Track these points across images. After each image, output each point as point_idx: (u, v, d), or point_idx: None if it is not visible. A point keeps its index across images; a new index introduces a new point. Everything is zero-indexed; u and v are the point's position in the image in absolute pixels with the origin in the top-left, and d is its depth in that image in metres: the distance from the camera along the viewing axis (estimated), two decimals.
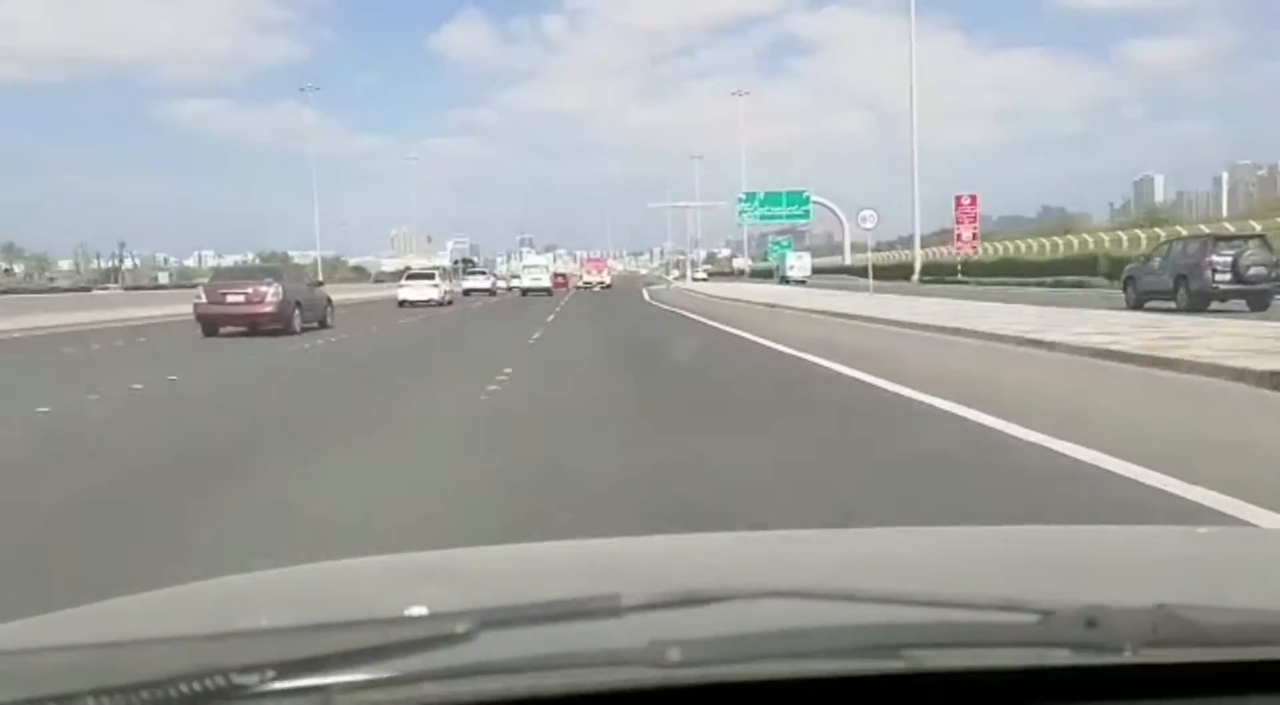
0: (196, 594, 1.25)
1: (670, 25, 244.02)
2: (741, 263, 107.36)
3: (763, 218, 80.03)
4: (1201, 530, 2.17)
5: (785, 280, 67.26)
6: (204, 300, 19.84)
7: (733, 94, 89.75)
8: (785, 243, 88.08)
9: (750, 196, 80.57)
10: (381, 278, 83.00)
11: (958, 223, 62.94)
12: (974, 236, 62.69)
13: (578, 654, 0.82)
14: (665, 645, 0.75)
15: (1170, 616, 0.80)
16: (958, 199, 63.81)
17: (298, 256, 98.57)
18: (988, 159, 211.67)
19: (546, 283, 58.68)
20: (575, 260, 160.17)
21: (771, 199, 79.85)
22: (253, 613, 1.12)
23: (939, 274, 55.99)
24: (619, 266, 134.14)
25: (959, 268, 54.43)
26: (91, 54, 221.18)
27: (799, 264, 73.37)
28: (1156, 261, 21.43)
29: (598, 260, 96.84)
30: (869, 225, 37.19)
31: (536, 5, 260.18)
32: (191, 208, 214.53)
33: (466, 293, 52.36)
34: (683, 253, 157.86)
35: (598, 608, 0.96)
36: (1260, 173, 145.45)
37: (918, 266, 58.11)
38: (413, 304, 36.93)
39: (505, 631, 0.88)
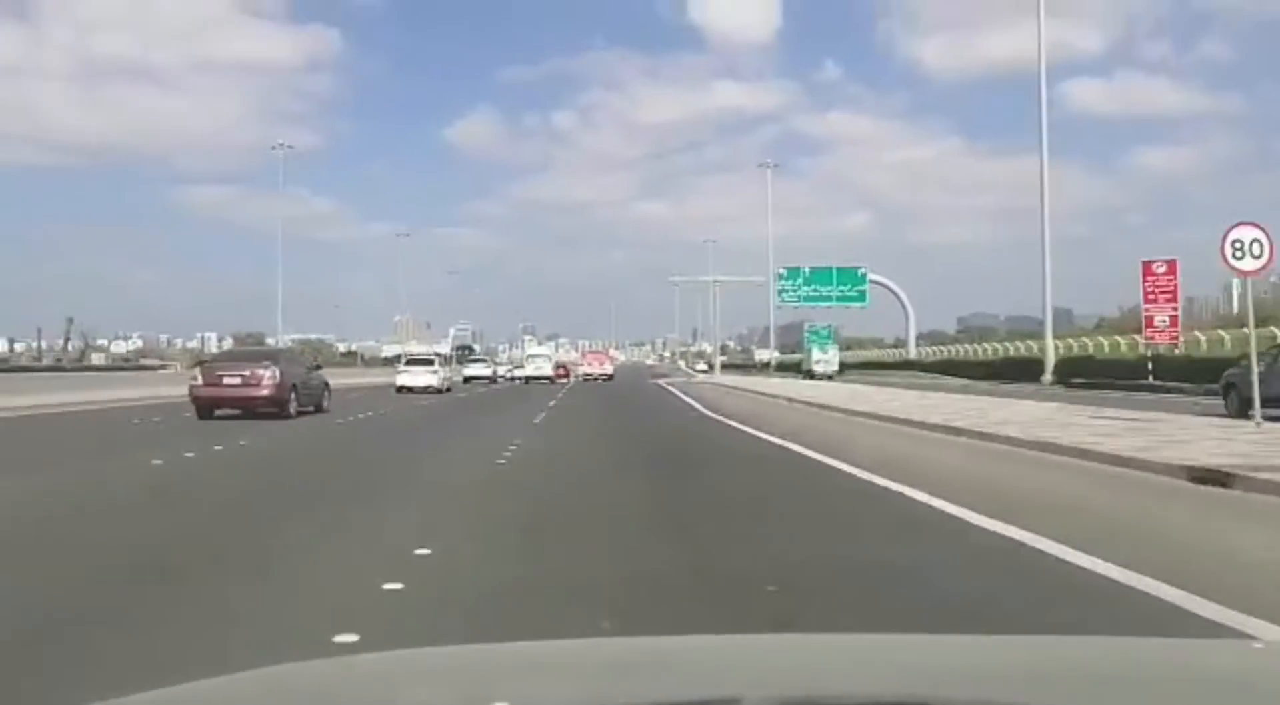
0: (246, 683, 1.27)
1: (677, 121, 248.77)
2: (766, 354, 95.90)
3: (807, 298, 68.47)
4: (1202, 643, 2.13)
5: (811, 375, 61.59)
6: (200, 382, 19.73)
7: (760, 166, 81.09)
8: (824, 331, 70.33)
9: (793, 272, 68.64)
10: (372, 362, 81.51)
11: (1148, 301, 38.19)
12: (1173, 322, 37.98)
13: None
14: None
15: None
16: (1146, 266, 38.65)
17: (289, 340, 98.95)
18: (990, 259, 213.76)
19: (549, 372, 61.38)
20: (577, 349, 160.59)
21: (820, 276, 68.43)
22: (363, 696, 1.17)
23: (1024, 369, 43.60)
24: (621, 357, 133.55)
25: (1149, 364, 35.77)
26: (112, 142, 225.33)
27: (825, 358, 65.77)
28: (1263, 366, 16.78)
29: (599, 353, 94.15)
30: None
31: (549, 101, 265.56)
32: (199, 289, 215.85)
33: (467, 380, 53.13)
34: (686, 344, 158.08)
35: None
36: (1273, 279, 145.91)
37: (1050, 363, 41.60)
38: (410, 390, 36.80)
39: None
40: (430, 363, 41.25)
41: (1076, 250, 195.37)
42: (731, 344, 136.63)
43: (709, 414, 21.90)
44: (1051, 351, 42.75)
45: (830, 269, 68.88)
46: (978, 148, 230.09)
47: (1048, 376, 40.10)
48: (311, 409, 21.35)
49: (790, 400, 26.46)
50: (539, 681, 1.25)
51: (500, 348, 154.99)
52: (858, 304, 70.01)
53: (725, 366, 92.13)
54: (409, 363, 41.78)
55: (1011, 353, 54.42)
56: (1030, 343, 52.54)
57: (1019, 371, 43.76)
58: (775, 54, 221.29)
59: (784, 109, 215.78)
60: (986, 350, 61.22)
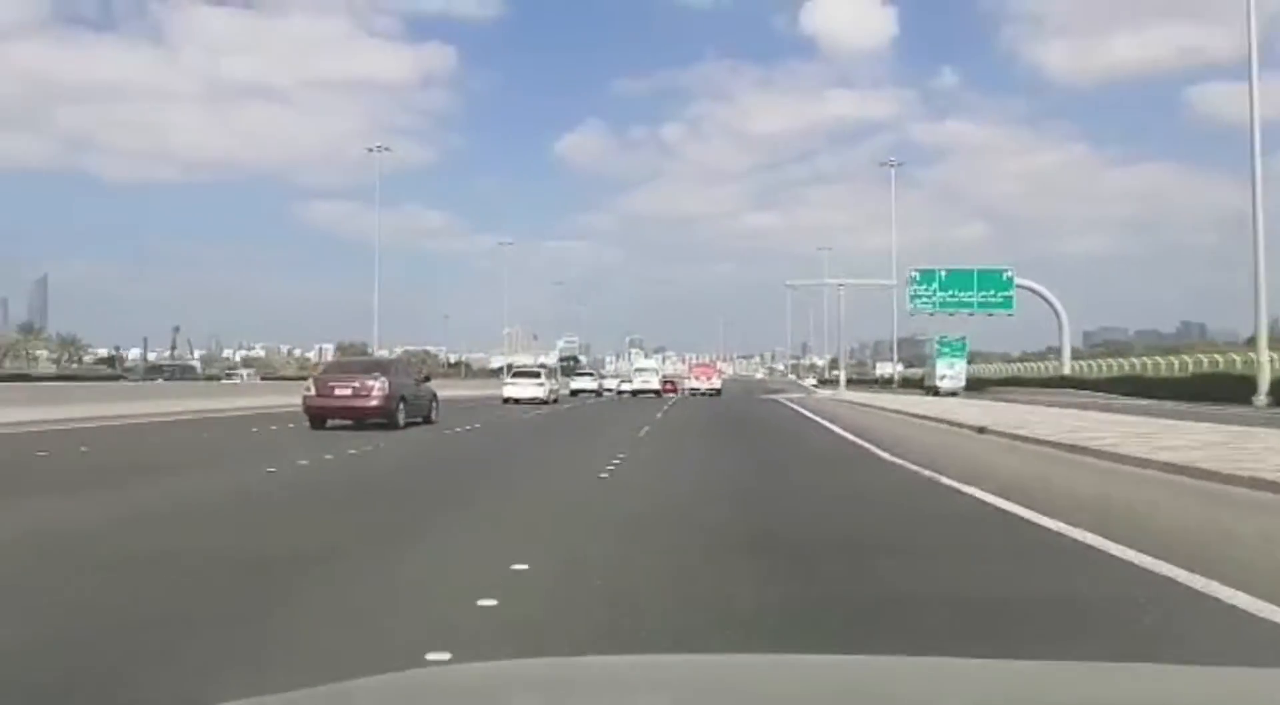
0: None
1: (789, 132, 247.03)
2: (887, 368, 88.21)
3: (944, 304, 61.73)
4: (1222, 670, 2.01)
5: (935, 391, 56.93)
6: (313, 392, 20.10)
7: (882, 165, 76.07)
8: (957, 343, 60.71)
9: (927, 276, 61.85)
10: (479, 373, 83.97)
11: None
12: None
13: None
14: None
15: None
16: None
17: (399, 351, 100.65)
18: (1115, 272, 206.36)
19: (655, 385, 63.39)
20: (684, 362, 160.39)
21: (958, 279, 61.20)
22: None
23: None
24: (728, 370, 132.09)
25: None
26: (238, 159, 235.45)
27: (951, 372, 59.87)
28: None
29: (706, 366, 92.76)
30: None
31: (658, 114, 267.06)
32: (318, 300, 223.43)
33: (574, 393, 54.71)
34: (796, 358, 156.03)
35: None
36: None
37: (1265, 381, 33.35)
38: (517, 402, 37.08)
39: None
40: (537, 375, 41.57)
41: (1211, 261, 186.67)
42: (827, 359, 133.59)
43: (866, 446, 15.62)
44: (1267, 366, 34.30)
45: (971, 272, 62.03)
46: (1103, 156, 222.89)
47: (1261, 397, 32.53)
48: (420, 420, 21.61)
49: (977, 429, 18.55)
50: (604, 697, 1.25)
51: (607, 360, 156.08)
52: (1003, 311, 62.80)
53: (849, 381, 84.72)
54: (516, 375, 42.50)
55: (1206, 367, 46.67)
56: (1229, 356, 45.54)
57: (1219, 391, 35.95)
58: (890, 62, 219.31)
59: (899, 118, 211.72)
60: (1174, 364, 52.74)
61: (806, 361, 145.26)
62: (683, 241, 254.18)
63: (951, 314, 63.39)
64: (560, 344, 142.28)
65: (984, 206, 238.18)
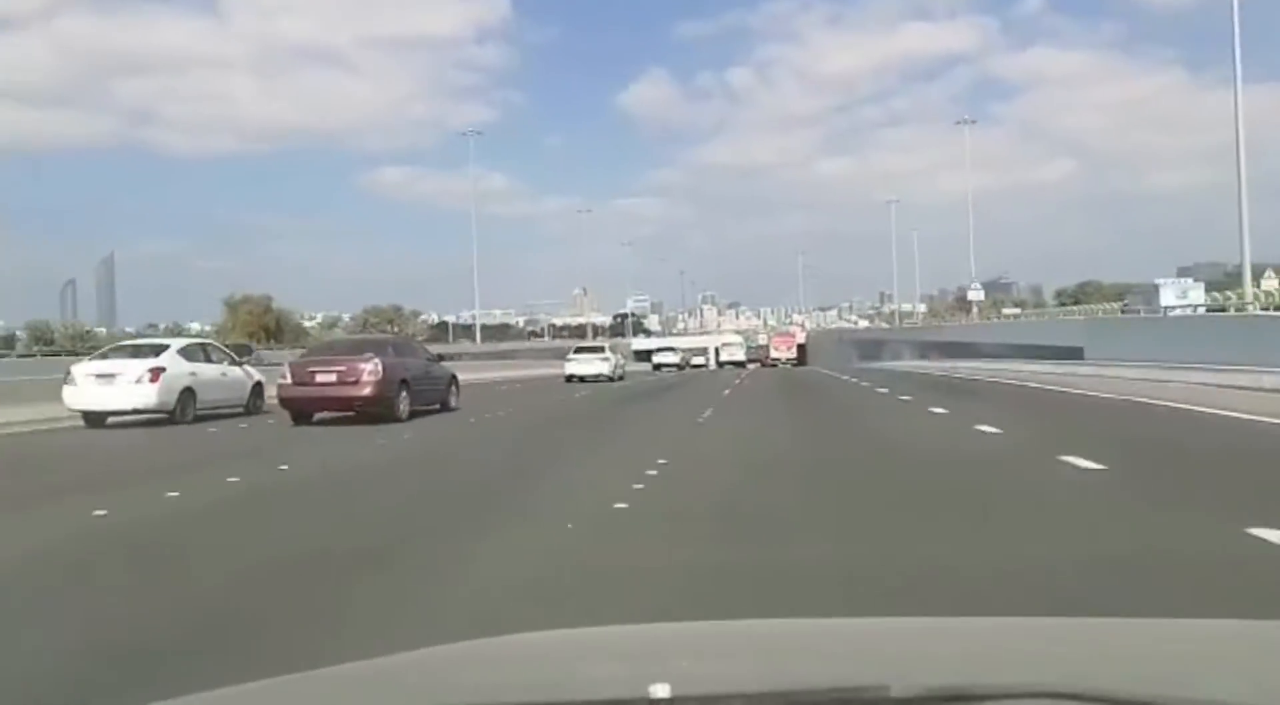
0: (400, 666, 1.29)
1: (862, 71, 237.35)
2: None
3: None
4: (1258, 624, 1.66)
5: None
6: (289, 381, 15.81)
7: (957, 123, 74.76)
8: None
9: None
10: (510, 353, 67.20)
11: None
12: None
13: None
14: None
15: None
16: None
17: (470, 317, 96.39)
18: (1218, 201, 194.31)
19: (741, 357, 68.05)
20: (758, 317, 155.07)
21: None
22: (496, 679, 1.17)
23: None
24: (807, 324, 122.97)
25: None
26: (296, 125, 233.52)
27: None
28: None
29: (786, 335, 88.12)
30: None
31: (723, 58, 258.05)
32: (383, 267, 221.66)
33: (656, 368, 56.27)
34: (876, 308, 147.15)
35: (871, 698, 0.94)
36: None
37: None
38: (581, 379, 35.23)
39: None
40: (601, 350, 39.69)
41: None
42: (921, 308, 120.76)
43: None
44: None
45: None
46: (1200, 80, 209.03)
47: None
48: (437, 407, 17.49)
49: None
50: (688, 661, 1.25)
51: (681, 316, 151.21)
52: None
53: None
54: (579, 350, 39.79)
55: None
56: None
57: None
58: None
59: (978, 50, 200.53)
60: None
61: (887, 310, 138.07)
62: (753, 192, 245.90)
63: None
64: (630, 303, 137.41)
65: (1070, 141, 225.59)
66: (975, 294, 72.57)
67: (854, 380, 31.21)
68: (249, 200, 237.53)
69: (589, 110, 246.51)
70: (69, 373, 16.33)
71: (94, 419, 16.14)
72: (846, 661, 1.25)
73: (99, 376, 16.03)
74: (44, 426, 16.07)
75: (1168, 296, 39.78)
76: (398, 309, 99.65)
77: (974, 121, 74.77)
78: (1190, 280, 52.28)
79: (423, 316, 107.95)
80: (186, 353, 17.08)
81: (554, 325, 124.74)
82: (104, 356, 17.32)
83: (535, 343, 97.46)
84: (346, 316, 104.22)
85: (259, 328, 70.71)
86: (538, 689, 1.15)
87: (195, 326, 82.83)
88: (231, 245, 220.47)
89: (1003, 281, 77.44)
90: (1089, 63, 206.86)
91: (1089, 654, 1.28)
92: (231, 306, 77.84)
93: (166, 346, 17.29)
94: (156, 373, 15.97)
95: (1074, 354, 30.30)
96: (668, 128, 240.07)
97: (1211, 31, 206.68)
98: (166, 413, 15.98)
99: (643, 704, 0.98)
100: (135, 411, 15.98)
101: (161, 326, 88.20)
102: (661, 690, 1.02)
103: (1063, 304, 66.48)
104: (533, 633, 1.50)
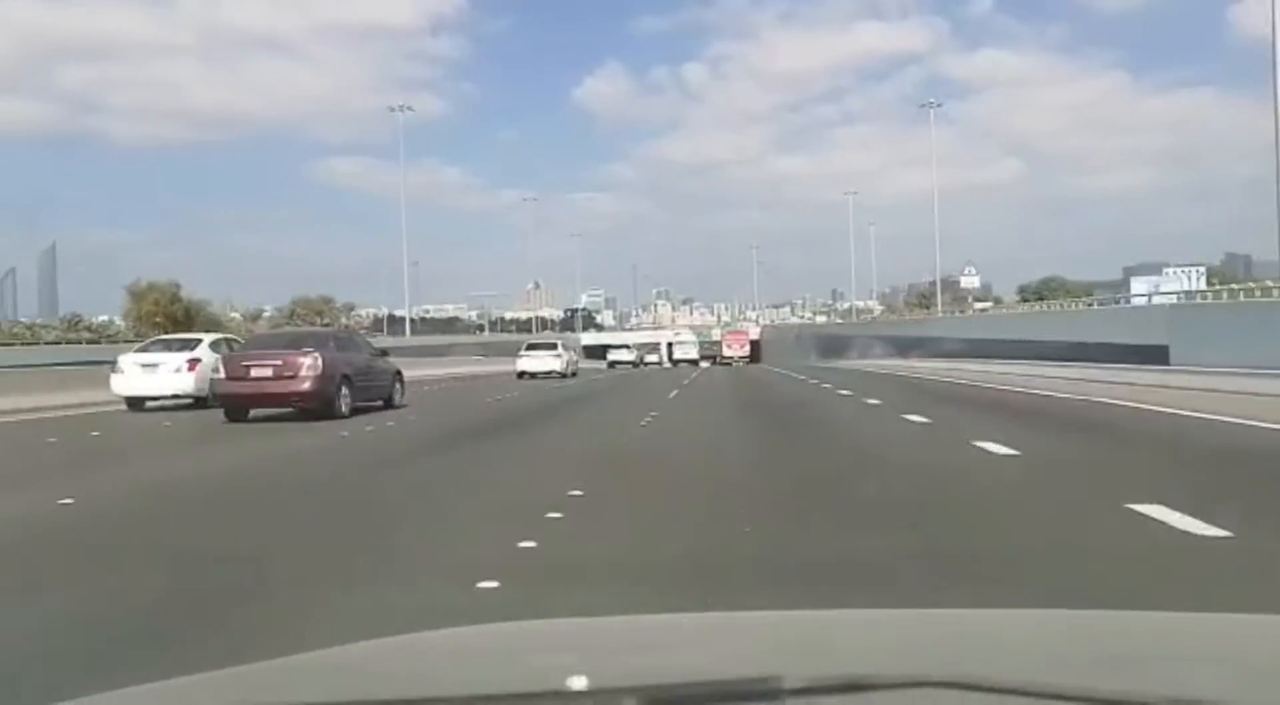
0: (332, 659, 1.27)
1: (815, 69, 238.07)
2: None
3: None
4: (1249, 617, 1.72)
5: None
6: (222, 375, 15.01)
7: (922, 106, 71.43)
8: None
9: None
10: (443, 349, 61.13)
11: None
12: None
13: None
14: None
15: None
16: None
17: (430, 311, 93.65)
18: (1154, 205, 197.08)
19: (694, 354, 68.27)
20: (712, 313, 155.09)
21: None
22: (412, 678, 1.13)
23: None
24: (757, 324, 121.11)
25: None
26: (246, 114, 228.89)
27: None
28: None
29: (738, 333, 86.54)
30: None
31: (678, 54, 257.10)
32: (338, 261, 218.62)
33: (611, 365, 54.61)
34: (828, 305, 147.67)
35: (760, 690, 0.95)
36: None
37: None
38: (532, 376, 35.00)
39: None
40: (553, 346, 39.09)
41: (1250, 191, 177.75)
42: (876, 306, 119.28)
43: None
44: None
45: None
46: (1142, 84, 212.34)
47: None
48: (379, 403, 16.74)
49: None
50: (565, 658, 1.24)
51: (634, 313, 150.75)
52: None
53: None
54: (530, 347, 39.19)
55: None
56: None
57: None
58: None
59: (929, 50, 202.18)
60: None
61: (840, 307, 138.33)
62: (708, 189, 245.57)
63: None
64: (584, 299, 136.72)
65: (1017, 143, 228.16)
66: (970, 279, 61.46)
67: (815, 381, 26.52)
68: (198, 190, 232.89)
69: (544, 104, 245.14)
70: (116, 362, 18.80)
71: (135, 403, 18.35)
72: (740, 654, 1.26)
73: (144, 366, 18.43)
74: (92, 410, 18.15)
75: (1170, 286, 38.09)
76: (327, 300, 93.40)
77: (939, 104, 70.34)
78: (1196, 269, 51.84)
79: (357, 309, 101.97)
80: (215, 346, 18.67)
81: (504, 319, 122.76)
82: (145, 350, 19.55)
83: (472, 338, 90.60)
84: (270, 308, 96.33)
85: (165, 318, 62.58)
86: (465, 683, 1.14)
87: (104, 318, 76.05)
88: (181, 236, 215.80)
89: (950, 280, 76.65)
90: (1035, 65, 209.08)
91: (983, 644, 1.30)
92: (136, 294, 70.05)
93: (199, 340, 19.43)
94: (194, 363, 18.06)
95: (1154, 356, 21.94)
96: (623, 123, 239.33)
97: (1153, 36, 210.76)
98: (199, 398, 17.38)
99: (546, 697, 0.98)
100: (174, 397, 18.26)
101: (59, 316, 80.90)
102: (565, 683, 1.04)
103: (1025, 300, 58.72)
104: (454, 629, 1.46)
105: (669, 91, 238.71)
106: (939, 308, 62.29)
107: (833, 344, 63.26)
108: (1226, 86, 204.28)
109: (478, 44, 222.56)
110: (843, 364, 47.50)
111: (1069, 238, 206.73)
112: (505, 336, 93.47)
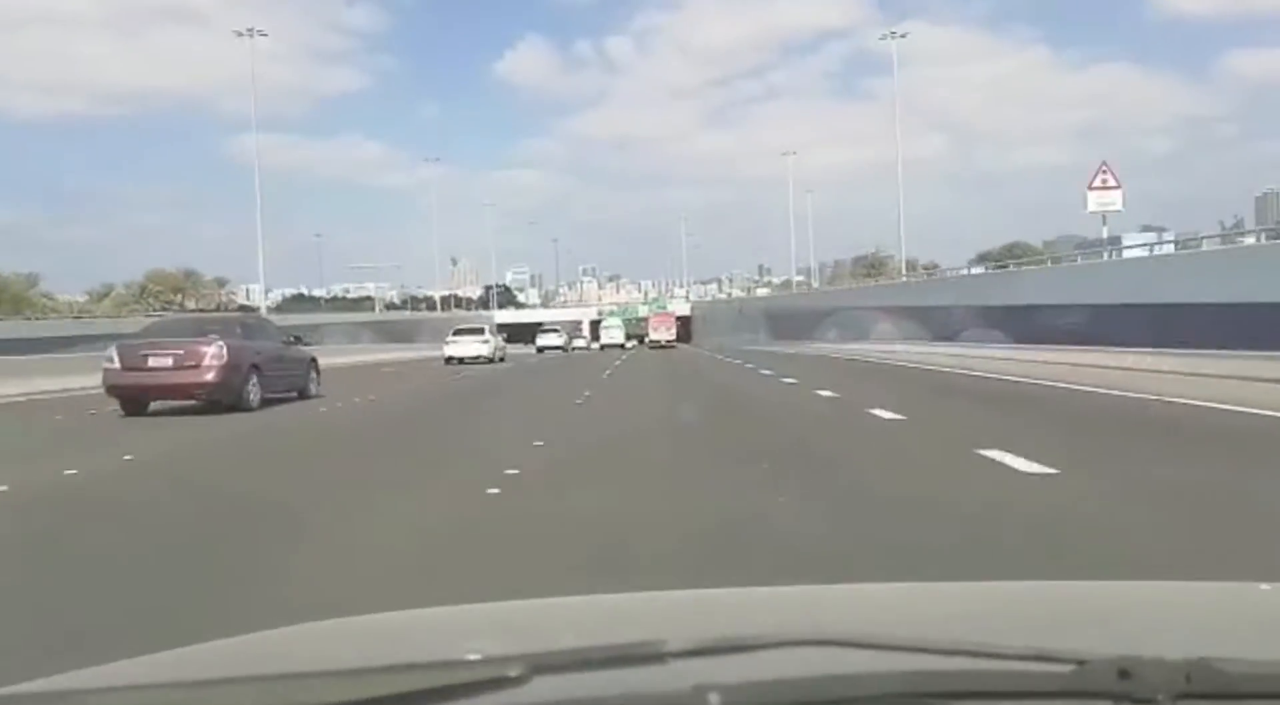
0: (259, 643, 1.29)
1: (740, 43, 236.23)
2: None
3: None
4: (1235, 585, 1.67)
5: None
6: (117, 365, 13.74)
7: (881, 38, 55.58)
8: None
9: None
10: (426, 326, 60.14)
11: None
12: None
13: (626, 696, 0.87)
14: (707, 689, 0.80)
15: (1203, 667, 0.80)
16: None
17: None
18: (1076, 178, 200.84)
19: (620, 338, 66.99)
20: (639, 290, 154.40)
21: None
22: (315, 660, 1.17)
23: None
24: (686, 299, 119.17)
25: None
26: (153, 87, 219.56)
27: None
28: None
29: (664, 314, 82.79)
30: None
31: (601, 27, 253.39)
32: (241, 238, 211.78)
33: (540, 351, 52.93)
34: (754, 281, 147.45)
35: (644, 654, 0.98)
36: None
37: None
38: (460, 361, 34.23)
39: (556, 677, 0.90)
40: (480, 332, 38.50)
41: (1164, 166, 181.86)
42: (797, 280, 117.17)
43: None
44: None
45: None
46: (1062, 59, 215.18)
47: None
48: (294, 395, 15.68)
49: None
50: (459, 638, 1.28)
51: (560, 290, 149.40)
52: None
53: None
54: (457, 332, 38.48)
55: None
56: None
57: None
58: None
59: (854, 24, 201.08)
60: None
61: (764, 281, 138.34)
62: (635, 165, 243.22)
63: None
64: (510, 276, 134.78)
65: (941, 118, 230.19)
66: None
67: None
68: (104, 166, 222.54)
69: (465, 78, 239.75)
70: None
71: None
72: (634, 628, 1.29)
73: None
74: None
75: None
76: (189, 273, 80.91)
77: (904, 35, 54.98)
78: (1158, 234, 46.84)
79: (231, 286, 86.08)
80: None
81: (414, 298, 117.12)
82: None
83: (356, 317, 75.12)
84: (121, 286, 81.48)
85: None
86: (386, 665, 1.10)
87: None
88: (86, 215, 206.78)
89: (881, 255, 76.29)
90: (958, 39, 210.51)
91: (885, 612, 1.36)
92: None
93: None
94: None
95: None
96: (546, 97, 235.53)
97: (1072, 11, 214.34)
98: None
99: (433, 667, 1.01)
100: None
101: None
102: (453, 656, 1.13)
103: (1002, 268, 35.83)
104: (384, 613, 1.45)
105: (593, 66, 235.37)
106: (903, 272, 49.37)
107: (789, 321, 50.25)
108: (1143, 64, 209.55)
109: (395, 15, 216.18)
110: (822, 350, 36.26)
111: (986, 212, 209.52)
112: (399, 315, 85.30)
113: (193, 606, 3.75)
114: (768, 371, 22.57)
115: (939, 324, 29.80)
